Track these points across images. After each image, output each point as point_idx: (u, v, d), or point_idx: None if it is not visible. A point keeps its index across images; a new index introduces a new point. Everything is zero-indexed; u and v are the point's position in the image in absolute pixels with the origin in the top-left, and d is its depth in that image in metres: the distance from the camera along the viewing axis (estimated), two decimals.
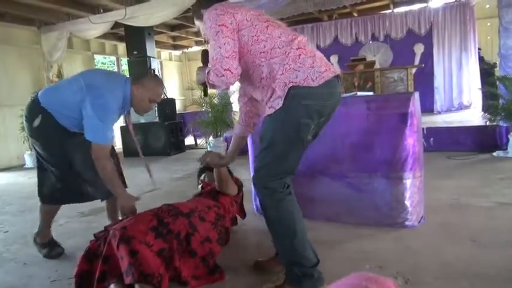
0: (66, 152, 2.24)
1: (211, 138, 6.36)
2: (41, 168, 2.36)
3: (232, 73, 1.58)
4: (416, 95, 2.47)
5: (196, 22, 1.89)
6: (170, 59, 12.62)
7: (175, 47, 12.08)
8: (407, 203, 2.38)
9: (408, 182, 2.37)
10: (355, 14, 9.17)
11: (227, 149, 6.18)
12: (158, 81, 2.34)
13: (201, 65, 1.85)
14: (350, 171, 2.51)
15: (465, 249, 2.04)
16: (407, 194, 2.38)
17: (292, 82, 1.56)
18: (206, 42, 1.73)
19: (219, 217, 2.13)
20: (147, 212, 1.94)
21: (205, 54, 1.83)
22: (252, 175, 1.79)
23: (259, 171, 1.68)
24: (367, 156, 2.47)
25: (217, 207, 2.19)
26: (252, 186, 2.09)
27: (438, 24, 8.37)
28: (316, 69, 1.58)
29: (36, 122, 2.18)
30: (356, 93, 2.79)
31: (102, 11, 6.80)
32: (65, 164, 2.26)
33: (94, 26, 6.67)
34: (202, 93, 1.80)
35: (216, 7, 1.64)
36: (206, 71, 1.68)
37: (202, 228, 1.96)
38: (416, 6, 8.66)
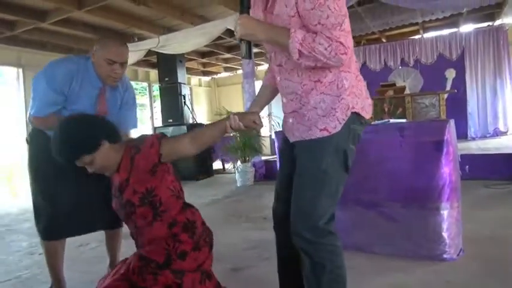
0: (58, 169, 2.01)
1: (239, 163, 6.39)
2: (35, 197, 2.16)
3: (348, 55, 1.29)
4: (452, 122, 2.41)
5: None
6: (200, 85, 12.91)
7: (205, 73, 12.37)
8: (445, 234, 2.28)
9: (445, 213, 2.28)
10: (384, 40, 9.15)
11: (255, 174, 6.26)
12: (116, 40, 2.16)
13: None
14: (383, 200, 2.45)
15: (509, 287, 1.92)
16: (445, 225, 2.28)
17: (355, 108, 1.41)
18: None
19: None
20: (115, 279, 1.59)
21: None
22: (293, 220, 1.44)
23: (311, 214, 1.39)
24: (401, 185, 2.40)
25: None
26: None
27: (470, 49, 8.22)
28: (369, 102, 1.50)
29: (28, 139, 2.19)
30: (388, 121, 2.75)
31: (137, 39, 7.08)
32: (60, 183, 2.09)
33: (129, 54, 6.94)
34: (246, 54, 1.42)
35: None
36: (297, 33, 1.29)
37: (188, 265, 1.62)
38: (446, 31, 8.57)
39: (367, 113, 1.46)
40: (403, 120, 2.90)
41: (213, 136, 1.59)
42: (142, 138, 1.64)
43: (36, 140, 2.15)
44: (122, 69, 2.12)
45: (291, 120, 1.53)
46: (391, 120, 2.76)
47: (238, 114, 1.52)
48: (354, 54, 1.45)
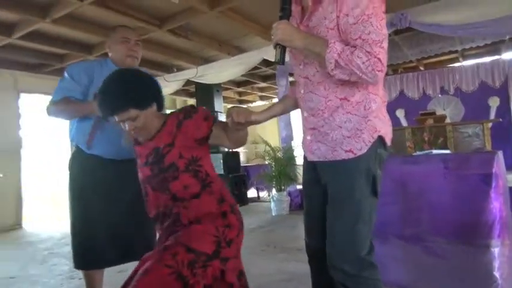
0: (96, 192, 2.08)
1: (274, 191, 6.34)
2: (72, 222, 2.16)
3: (383, 73, 1.28)
4: (500, 154, 2.29)
5: None
6: None
7: (241, 102, 12.57)
8: (497, 274, 2.13)
9: (496, 251, 2.14)
10: (422, 68, 8.99)
11: (291, 203, 6.18)
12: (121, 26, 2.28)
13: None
14: (428, 234, 2.33)
15: None
16: (496, 264, 2.13)
17: (381, 132, 1.39)
18: None
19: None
20: (163, 266, 1.37)
21: (289, 1, 1.42)
22: (329, 253, 1.40)
23: (350, 245, 1.35)
24: (446, 219, 2.28)
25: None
26: None
27: None
28: (391, 130, 1.48)
29: (69, 164, 2.20)
30: (431, 151, 2.66)
31: (176, 70, 7.34)
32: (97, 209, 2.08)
33: (168, 84, 7.19)
34: (279, 58, 1.39)
35: None
36: (337, 44, 1.28)
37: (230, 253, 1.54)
38: (488, 59, 8.32)
39: (389, 140, 1.43)
40: (447, 151, 2.79)
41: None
42: (194, 108, 1.62)
43: (76, 164, 2.19)
44: (138, 47, 2.19)
45: (309, 138, 1.50)
46: (434, 151, 2.66)
47: (237, 110, 1.50)
48: (385, 81, 1.43)
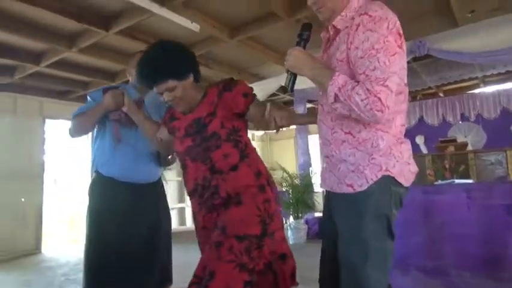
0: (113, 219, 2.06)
1: (291, 219, 6.26)
2: (87, 248, 2.14)
3: (384, 114, 1.21)
4: None
5: None
6: (253, 139, 13.16)
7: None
8: None
9: None
10: (441, 94, 8.91)
11: (308, 232, 6.05)
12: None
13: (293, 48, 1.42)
14: (450, 267, 2.25)
15: None
16: None
17: (389, 171, 1.30)
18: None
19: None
20: (225, 262, 1.42)
21: (308, 28, 1.43)
22: None
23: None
24: (470, 251, 2.21)
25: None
26: None
27: None
28: (411, 168, 1.38)
29: (89, 191, 2.20)
30: (453, 181, 2.60)
31: None
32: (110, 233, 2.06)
33: None
34: (289, 85, 1.40)
35: (395, 19, 1.29)
36: (340, 78, 1.26)
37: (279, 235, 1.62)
38: (510, 85, 8.19)
39: (405, 180, 1.34)
40: (470, 181, 2.73)
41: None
42: (234, 81, 1.64)
43: (95, 189, 2.19)
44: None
45: (324, 165, 1.48)
46: (456, 181, 2.60)
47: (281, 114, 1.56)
48: (402, 116, 1.37)
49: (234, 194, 1.53)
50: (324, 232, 1.58)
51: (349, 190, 1.32)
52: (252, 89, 1.63)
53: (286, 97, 7.88)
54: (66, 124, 6.89)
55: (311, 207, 6.21)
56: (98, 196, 2.17)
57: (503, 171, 5.70)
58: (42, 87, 6.47)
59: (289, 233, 6.03)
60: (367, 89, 1.19)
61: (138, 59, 2.05)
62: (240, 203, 1.51)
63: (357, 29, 1.26)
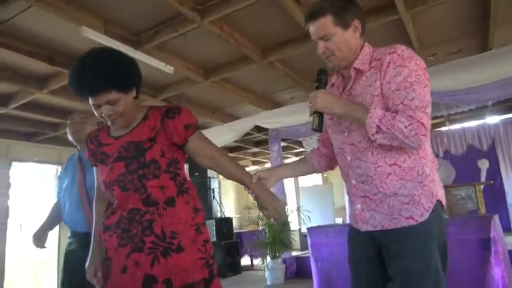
0: None
1: (268, 259, 6.13)
2: None
3: (427, 138, 1.30)
4: (496, 218, 2.29)
5: (324, 20, 1.41)
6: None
7: None
8: None
9: None
10: None
11: (286, 271, 5.93)
12: None
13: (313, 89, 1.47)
14: None
15: None
16: None
17: (438, 196, 1.35)
18: (324, 39, 1.41)
19: None
20: None
21: (324, 73, 1.48)
22: None
23: None
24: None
25: None
26: None
27: (501, 140, 8.12)
28: (443, 191, 1.43)
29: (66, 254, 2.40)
30: None
31: None
32: None
33: None
34: (317, 125, 1.42)
35: (419, 57, 1.38)
36: (377, 110, 1.29)
37: None
38: (474, 123, 8.58)
39: (445, 204, 1.40)
40: None
41: (233, 177, 1.53)
42: (178, 109, 1.49)
43: (72, 260, 2.22)
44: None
45: (359, 206, 1.44)
46: None
47: (264, 193, 1.54)
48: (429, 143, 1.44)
49: (170, 232, 1.38)
50: (359, 276, 1.52)
51: (411, 222, 1.31)
52: (195, 120, 1.50)
53: (261, 136, 7.95)
54: (34, 167, 6.68)
55: (288, 247, 6.10)
56: (75, 263, 2.13)
57: (474, 206, 5.83)
58: (9, 129, 6.28)
59: (266, 274, 5.88)
60: (410, 116, 1.24)
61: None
62: (180, 249, 1.39)
63: (388, 65, 1.33)
